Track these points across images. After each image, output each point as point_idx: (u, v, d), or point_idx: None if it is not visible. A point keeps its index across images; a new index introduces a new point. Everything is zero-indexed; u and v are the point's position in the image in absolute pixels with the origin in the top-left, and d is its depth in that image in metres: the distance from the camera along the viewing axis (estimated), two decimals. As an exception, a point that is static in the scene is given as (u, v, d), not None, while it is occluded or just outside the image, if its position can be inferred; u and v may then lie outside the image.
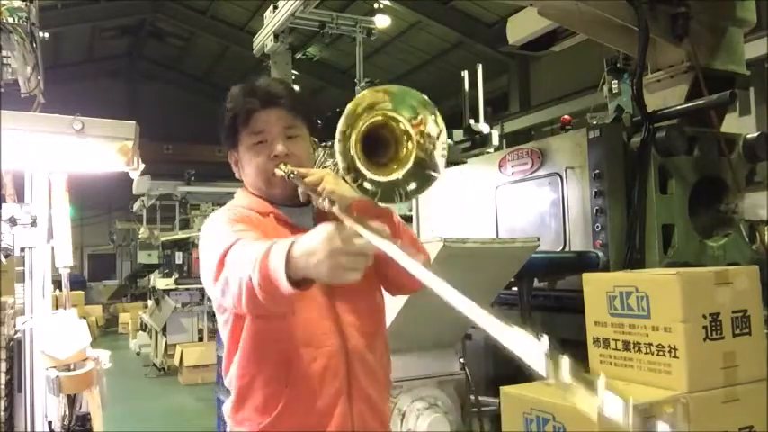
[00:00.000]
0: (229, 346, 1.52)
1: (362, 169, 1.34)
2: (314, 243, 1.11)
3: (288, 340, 1.43)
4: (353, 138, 1.33)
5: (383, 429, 1.57)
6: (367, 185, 1.36)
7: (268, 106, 1.54)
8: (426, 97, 1.36)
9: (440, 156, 1.36)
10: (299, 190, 1.47)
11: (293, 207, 1.55)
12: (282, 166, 1.50)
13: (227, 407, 1.54)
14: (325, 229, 1.11)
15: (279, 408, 1.43)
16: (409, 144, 1.37)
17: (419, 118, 1.36)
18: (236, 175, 1.64)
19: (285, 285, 1.14)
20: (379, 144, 1.38)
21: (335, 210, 1.31)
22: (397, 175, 1.37)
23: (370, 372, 1.51)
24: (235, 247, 1.30)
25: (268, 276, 1.16)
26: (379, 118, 1.35)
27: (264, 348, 1.46)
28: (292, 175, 1.46)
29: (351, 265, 1.09)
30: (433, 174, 1.37)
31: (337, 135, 1.31)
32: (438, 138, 1.36)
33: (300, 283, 1.15)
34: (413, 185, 1.38)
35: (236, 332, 1.48)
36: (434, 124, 1.36)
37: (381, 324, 1.60)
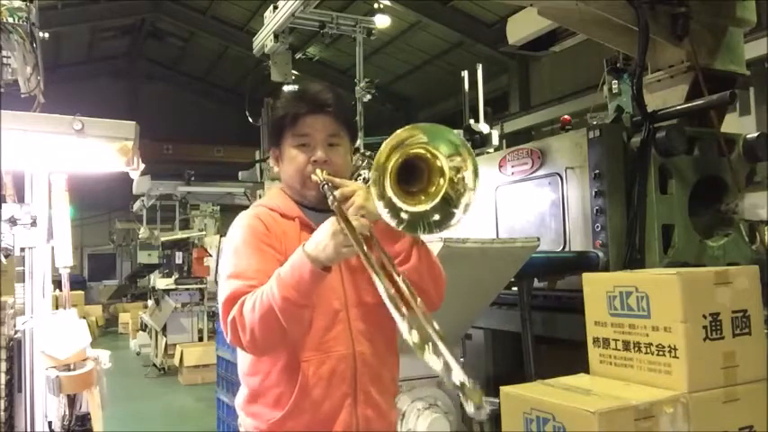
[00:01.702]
0: None
1: (394, 198, 1.38)
2: (320, 235, 1.39)
3: (299, 344, 1.50)
4: (390, 168, 1.36)
5: (388, 430, 1.63)
6: (400, 214, 1.39)
7: (316, 112, 1.60)
8: (471, 148, 1.42)
9: (466, 202, 1.40)
10: (329, 199, 1.49)
11: (323, 212, 1.56)
12: (319, 172, 1.56)
13: (239, 399, 1.63)
14: (327, 222, 1.40)
15: (287, 407, 1.50)
16: (441, 180, 1.41)
17: (457, 159, 1.40)
18: (275, 170, 1.71)
19: (309, 269, 1.36)
20: (412, 172, 1.41)
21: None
22: (425, 206, 1.41)
23: (375, 376, 1.57)
24: (241, 308, 1.45)
25: (287, 283, 1.38)
26: (421, 151, 1.39)
27: (276, 351, 1.52)
28: (326, 187, 1.51)
29: (348, 242, 1.34)
30: (455, 211, 1.41)
31: (375, 164, 1.35)
32: (470, 188, 1.41)
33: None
34: (436, 217, 1.41)
35: None
36: (473, 175, 1.41)
37: (391, 330, 1.62)
